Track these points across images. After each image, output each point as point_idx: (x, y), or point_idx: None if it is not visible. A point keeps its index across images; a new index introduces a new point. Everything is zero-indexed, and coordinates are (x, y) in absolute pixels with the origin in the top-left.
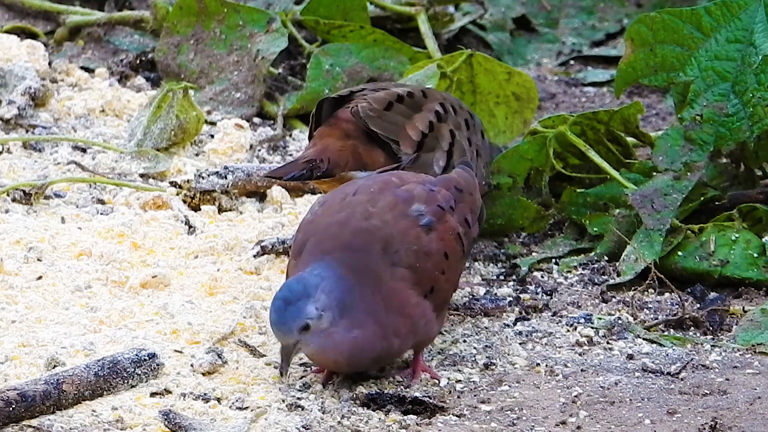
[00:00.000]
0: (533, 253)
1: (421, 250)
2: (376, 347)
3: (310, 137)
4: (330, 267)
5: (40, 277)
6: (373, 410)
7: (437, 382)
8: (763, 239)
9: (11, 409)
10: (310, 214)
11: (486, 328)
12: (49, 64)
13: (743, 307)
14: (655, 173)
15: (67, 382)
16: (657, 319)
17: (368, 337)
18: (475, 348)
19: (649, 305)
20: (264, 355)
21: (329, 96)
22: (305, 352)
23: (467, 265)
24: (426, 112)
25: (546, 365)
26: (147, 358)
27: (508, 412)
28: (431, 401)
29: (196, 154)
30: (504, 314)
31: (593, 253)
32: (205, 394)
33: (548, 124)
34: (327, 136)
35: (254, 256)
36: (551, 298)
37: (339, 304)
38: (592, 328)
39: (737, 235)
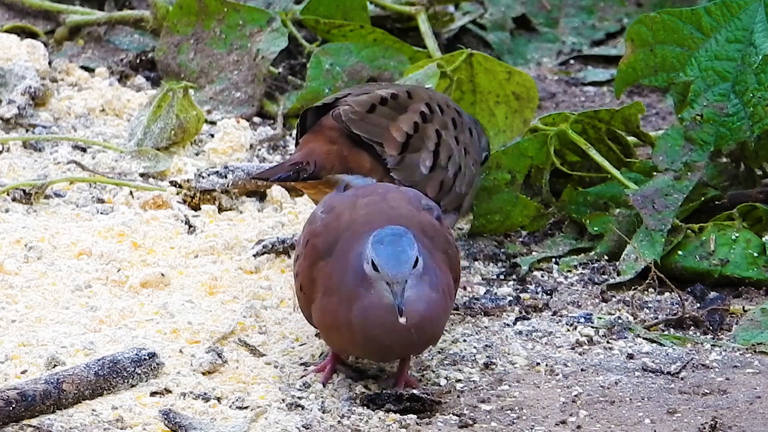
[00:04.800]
0: (533, 253)
1: (447, 238)
2: (446, 313)
3: (297, 145)
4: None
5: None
6: (373, 410)
7: (437, 381)
8: (763, 239)
9: (11, 408)
10: (319, 221)
11: (486, 327)
12: (49, 63)
13: (743, 307)
14: (655, 173)
15: (67, 382)
16: (657, 318)
17: (443, 300)
18: (475, 347)
19: (649, 305)
20: (264, 355)
21: (312, 105)
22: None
23: (467, 264)
24: (411, 113)
25: (546, 365)
26: (147, 357)
27: (508, 412)
28: (429, 397)
29: (196, 154)
30: (504, 314)
31: (593, 253)
32: (205, 394)
33: (549, 121)
34: (311, 142)
35: (254, 256)
36: (551, 298)
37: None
38: (592, 327)
39: (737, 235)
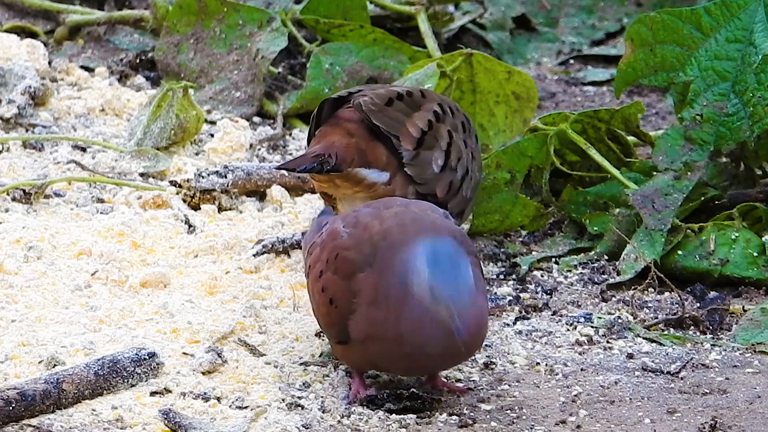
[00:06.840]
0: (533, 252)
1: (471, 243)
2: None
3: (310, 138)
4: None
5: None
6: (373, 409)
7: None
8: (763, 238)
9: (11, 408)
10: (345, 234)
11: None
12: (49, 63)
13: (743, 307)
14: (655, 173)
15: (67, 381)
16: (657, 318)
17: (486, 308)
18: None
19: (649, 304)
20: (264, 354)
21: (329, 97)
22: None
23: None
24: (425, 111)
25: (546, 364)
26: (147, 357)
27: (508, 412)
28: (428, 396)
29: (196, 153)
30: (504, 313)
31: (593, 252)
32: (204, 393)
33: (548, 121)
34: (330, 134)
35: (254, 256)
36: (551, 297)
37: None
38: (592, 327)
39: (737, 235)
